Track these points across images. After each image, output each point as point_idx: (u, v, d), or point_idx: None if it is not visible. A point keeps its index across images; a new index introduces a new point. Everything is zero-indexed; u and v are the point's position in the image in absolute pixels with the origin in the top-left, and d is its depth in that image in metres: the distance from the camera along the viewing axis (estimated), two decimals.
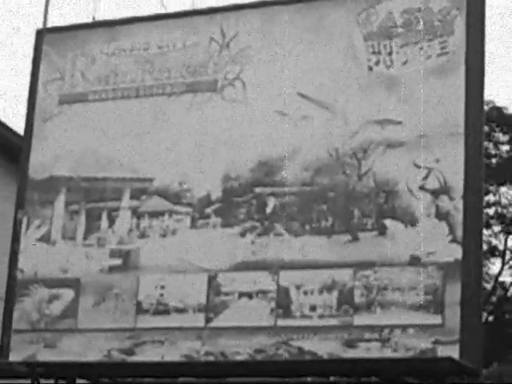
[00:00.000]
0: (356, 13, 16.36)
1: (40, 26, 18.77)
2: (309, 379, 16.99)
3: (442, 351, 14.38)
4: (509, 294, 31.44)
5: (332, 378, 16.00)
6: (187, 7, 17.94)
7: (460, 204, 14.93)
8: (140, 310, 16.29)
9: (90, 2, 18.75)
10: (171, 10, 18.42)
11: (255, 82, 16.79)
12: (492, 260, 30.95)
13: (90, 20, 18.61)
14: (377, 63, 16.02)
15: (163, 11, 18.58)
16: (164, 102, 17.36)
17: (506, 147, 29.90)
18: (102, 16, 18.62)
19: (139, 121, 17.40)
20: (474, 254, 15.26)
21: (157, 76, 17.64)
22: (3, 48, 65.53)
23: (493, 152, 28.95)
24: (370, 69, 16.02)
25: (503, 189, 30.71)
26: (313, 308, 15.26)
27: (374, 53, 16.16)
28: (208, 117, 16.92)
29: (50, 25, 18.75)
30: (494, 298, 29.23)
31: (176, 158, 16.84)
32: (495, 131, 29.42)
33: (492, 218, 30.25)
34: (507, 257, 30.95)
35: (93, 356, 16.36)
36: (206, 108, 16.99)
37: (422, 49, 15.86)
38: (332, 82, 16.20)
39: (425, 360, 14.78)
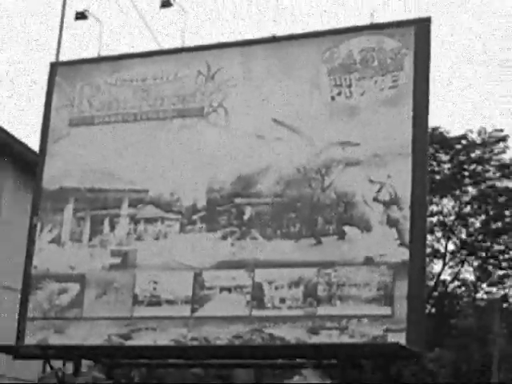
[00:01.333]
0: (321, 51, 16.59)
1: (53, 59, 19.04)
2: (279, 361, 17.22)
3: (392, 338, 14.59)
4: (448, 290, 31.60)
5: (300, 360, 16.25)
6: (178, 44, 18.15)
7: (407, 213, 15.20)
8: (136, 301, 16.45)
9: (95, 39, 19.02)
10: (164, 46, 18.60)
11: (236, 109, 16.96)
12: (435, 261, 31.07)
13: (95, 55, 18.85)
14: (338, 94, 16.26)
15: (157, 48, 18.77)
16: (158, 125, 17.50)
17: (447, 165, 30.11)
18: (105, 50, 18.86)
19: (136, 141, 17.54)
20: (419, 256, 15.48)
21: (152, 103, 17.79)
22: (19, 76, 64.99)
23: (436, 169, 29.17)
24: (333, 99, 16.27)
25: (445, 200, 30.90)
26: (282, 300, 15.48)
27: (336, 85, 16.40)
28: (195, 138, 17.09)
29: (61, 58, 19.01)
30: (435, 294, 29.35)
31: (167, 173, 17.00)
32: (438, 152, 29.69)
33: (435, 225, 30.42)
34: (447, 258, 31.12)
35: (95, 340, 16.53)
36: (193, 131, 17.16)
37: (376, 82, 16.10)
38: (300, 110, 16.40)
39: (377, 345, 14.97)
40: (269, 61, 17.17)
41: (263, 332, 15.52)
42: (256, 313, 15.65)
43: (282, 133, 16.54)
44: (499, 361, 23.22)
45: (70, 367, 16.84)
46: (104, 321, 16.72)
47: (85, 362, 17.05)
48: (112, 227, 17.31)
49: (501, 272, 33.41)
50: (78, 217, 17.72)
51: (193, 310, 16.08)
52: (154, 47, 18.50)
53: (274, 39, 17.27)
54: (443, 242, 31.78)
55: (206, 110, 17.26)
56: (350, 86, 16.31)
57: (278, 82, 16.94)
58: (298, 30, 17.55)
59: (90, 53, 18.77)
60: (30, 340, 17.17)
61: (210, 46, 17.93)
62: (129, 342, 16.42)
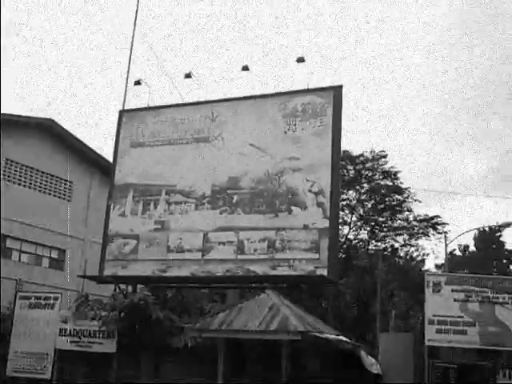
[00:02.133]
0: (278, 105, 16.83)
1: (120, 107, 19.27)
2: (253, 285, 17.47)
3: (319, 272, 14.96)
4: (352, 244, 31.96)
5: (265, 284, 16.55)
6: (195, 99, 18.52)
7: (328, 199, 15.52)
8: (169, 250, 16.73)
9: (145, 96, 19.30)
10: (187, 99, 18.80)
11: (228, 138, 17.15)
12: (344, 227, 31.39)
13: (145, 105, 19.05)
14: (288, 129, 16.48)
15: (182, 101, 18.92)
16: (182, 147, 17.69)
17: (351, 171, 30.55)
18: (151, 102, 19.08)
19: (169, 156, 17.68)
20: (335, 224, 15.81)
21: (179, 134, 17.97)
22: (94, 121, 65.47)
23: (345, 173, 29.64)
24: (285, 132, 16.51)
25: (350, 192, 31.31)
26: (255, 250, 15.73)
27: (287, 124, 16.58)
28: (204, 155, 17.27)
29: (126, 106, 19.23)
30: (344, 246, 29.65)
31: (188, 175, 17.20)
32: (347, 164, 30.20)
33: (344, 206, 30.86)
34: (351, 225, 31.48)
35: (145, 273, 16.76)
36: (203, 150, 17.34)
37: (310, 123, 16.30)
38: (267, 138, 16.59)
39: (310, 276, 15.23)
40: (248, 110, 17.40)
41: (244, 268, 15.84)
42: (240, 257, 15.95)
43: (255, 152, 16.79)
44: (381, 286, 23.77)
45: (129, 289, 17.16)
46: (150, 261, 16.93)
47: (139, 286, 17.30)
48: (155, 206, 17.47)
49: (382, 234, 33.82)
50: (135, 200, 17.85)
51: (202, 255, 16.35)
52: (179, 101, 18.80)
53: (252, 97, 17.48)
54: (349, 216, 32.12)
55: (211, 138, 17.50)
56: (295, 124, 16.59)
57: (253, 122, 17.14)
58: (266, 91, 17.79)
59: (143, 104, 19.05)
60: (106, 272, 17.42)
61: (213, 101, 18.06)
62: (165, 274, 16.68)
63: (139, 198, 17.91)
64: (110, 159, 19.41)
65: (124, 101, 19.19)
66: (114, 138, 19.18)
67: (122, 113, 19.22)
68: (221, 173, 17.04)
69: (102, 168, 25.29)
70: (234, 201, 16.64)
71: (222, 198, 16.81)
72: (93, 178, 25.84)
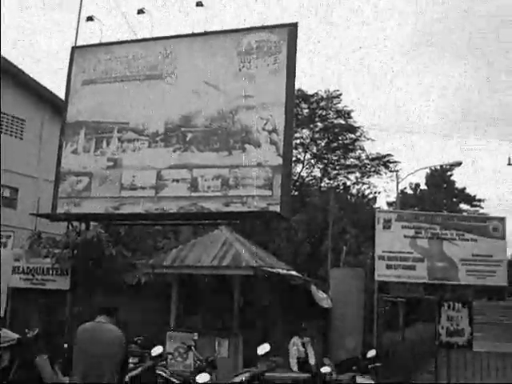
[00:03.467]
0: (233, 42, 16.41)
1: (72, 43, 18.84)
2: (206, 221, 17.46)
3: (271, 208, 14.93)
4: (306, 181, 32.20)
5: (218, 221, 16.57)
6: (148, 35, 17.90)
7: (282, 137, 15.30)
8: (122, 187, 16.47)
9: (98, 32, 18.78)
10: (140, 36, 18.40)
11: (181, 75, 16.77)
12: (298, 165, 31.50)
13: (97, 41, 18.61)
14: (243, 67, 16.19)
15: (135, 37, 18.55)
16: (135, 84, 17.27)
17: (306, 110, 30.49)
18: (103, 39, 18.61)
19: (122, 94, 17.30)
20: (288, 162, 15.67)
21: (132, 71, 17.49)
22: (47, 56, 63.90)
23: (299, 112, 29.61)
24: (240, 70, 16.22)
25: (304, 130, 31.35)
26: (209, 187, 15.57)
27: (241, 62, 16.29)
28: (158, 92, 16.89)
29: (78, 42, 18.76)
30: (297, 183, 29.89)
31: (140, 112, 16.86)
32: (301, 102, 30.13)
33: (298, 144, 30.93)
34: (305, 163, 31.59)
35: (98, 210, 16.55)
36: (156, 88, 16.97)
37: (265, 60, 16.07)
38: (221, 76, 16.27)
39: (263, 212, 15.12)
40: (202, 47, 16.97)
41: (197, 205, 15.66)
42: (193, 194, 15.75)
43: (209, 89, 16.43)
44: (333, 223, 24.04)
45: (83, 226, 16.99)
46: (103, 199, 16.71)
47: (92, 223, 17.11)
48: (108, 144, 17.13)
49: (335, 172, 34.13)
50: (88, 138, 17.46)
51: (156, 193, 16.12)
52: (132, 37, 18.35)
53: (206, 33, 17.02)
54: (303, 154, 32.25)
55: (164, 76, 17.10)
56: (249, 62, 16.24)
57: (207, 59, 16.73)
58: (221, 27, 17.50)
59: (95, 40, 18.58)
60: (59, 210, 17.11)
61: (166, 37, 17.67)
62: (118, 211, 16.48)
63: (91, 136, 17.54)
64: (63, 97, 18.86)
65: (76, 37, 18.66)
66: (66, 75, 18.56)
67: (73, 49, 18.63)
68: (174, 110, 16.72)
69: (54, 106, 24.70)
70: (188, 139, 16.38)
71: (175, 136, 16.54)
72: (45, 115, 25.25)
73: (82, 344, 7.00)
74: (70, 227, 16.90)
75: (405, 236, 17.69)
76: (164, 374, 12.49)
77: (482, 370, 19.35)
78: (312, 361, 14.22)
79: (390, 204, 45.53)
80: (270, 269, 15.75)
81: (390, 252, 17.39)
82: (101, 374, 6.79)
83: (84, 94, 18.17)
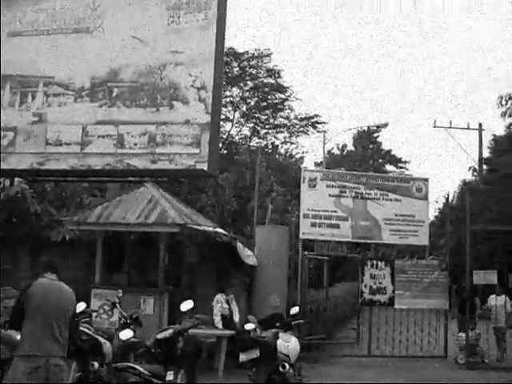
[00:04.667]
0: None
1: None
2: (133, 179, 17.21)
3: (199, 166, 14.82)
4: (235, 140, 32.30)
5: (145, 178, 16.31)
6: None
7: (210, 95, 15.03)
8: (47, 143, 16.00)
9: None
10: None
11: (109, 29, 16.19)
12: (227, 123, 31.39)
13: None
14: (172, 22, 15.72)
15: None
16: (61, 37, 16.60)
17: (236, 69, 30.37)
18: None
19: (48, 46, 16.61)
20: (216, 120, 15.42)
21: (59, 24, 16.97)
22: None
23: (229, 70, 29.41)
24: (168, 24, 15.72)
25: (234, 89, 31.23)
26: (135, 144, 15.23)
27: (170, 17, 15.81)
28: (84, 46, 16.34)
29: None
30: (226, 142, 29.90)
31: (66, 67, 16.31)
32: (231, 60, 29.85)
33: (227, 103, 30.86)
34: (234, 122, 31.45)
35: (23, 166, 16.12)
36: (83, 41, 16.37)
37: (194, 16, 15.62)
38: (149, 31, 15.82)
39: (190, 170, 15.09)
40: (132, 1, 16.35)
41: (123, 162, 15.34)
42: (119, 151, 15.41)
43: (137, 44, 15.93)
44: (260, 182, 24.10)
45: (7, 183, 16.52)
46: (28, 154, 16.20)
47: (17, 180, 16.62)
48: (33, 98, 16.53)
49: (264, 131, 34.06)
50: (13, 92, 16.76)
51: (81, 149, 15.72)
52: None
53: None
54: (232, 112, 32.05)
55: (91, 29, 16.49)
56: (179, 17, 15.77)
57: (135, 13, 16.15)
58: None
59: None
60: None
61: None
62: (43, 167, 16.07)
63: (16, 90, 16.83)
64: None
65: None
66: None
67: None
68: (101, 65, 16.20)
69: None
70: (114, 94, 15.92)
71: (101, 91, 16.04)
72: None
73: (42, 300, 7.25)
74: None
75: (329, 195, 17.85)
76: (88, 331, 12.34)
77: (401, 325, 19.91)
78: (236, 318, 14.26)
79: (317, 164, 45.95)
80: (196, 226, 15.64)
81: (315, 210, 17.52)
82: (59, 331, 7.31)
83: (9, 46, 17.24)
